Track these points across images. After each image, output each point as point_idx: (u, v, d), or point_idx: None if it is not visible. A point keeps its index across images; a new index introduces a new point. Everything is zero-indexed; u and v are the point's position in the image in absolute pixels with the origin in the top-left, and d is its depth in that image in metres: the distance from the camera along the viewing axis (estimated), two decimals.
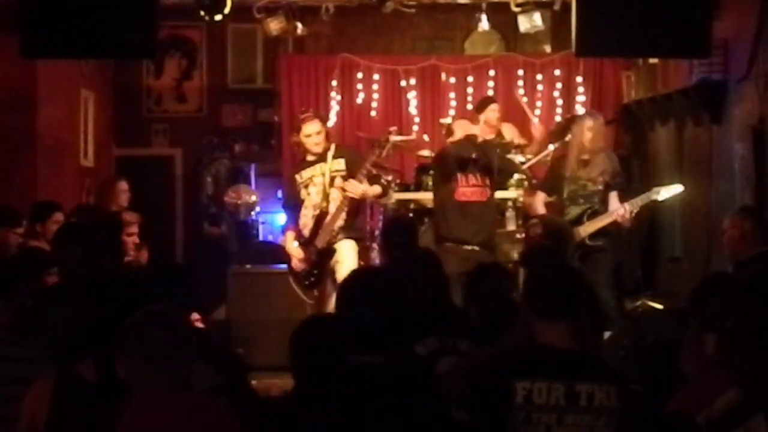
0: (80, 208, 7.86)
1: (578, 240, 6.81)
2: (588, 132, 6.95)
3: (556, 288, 3.41)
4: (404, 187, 8.75)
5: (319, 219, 6.76)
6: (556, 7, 9.19)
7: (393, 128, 8.29)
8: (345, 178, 6.70)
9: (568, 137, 8.51)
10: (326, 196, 6.76)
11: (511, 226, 8.46)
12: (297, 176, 6.91)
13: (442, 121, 8.90)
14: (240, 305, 7.58)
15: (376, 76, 10.16)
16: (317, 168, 6.82)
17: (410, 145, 9.20)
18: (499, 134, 9.07)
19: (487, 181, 7.19)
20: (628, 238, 7.31)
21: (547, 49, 10.62)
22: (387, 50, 10.76)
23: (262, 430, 3.19)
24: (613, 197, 7.02)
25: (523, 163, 8.72)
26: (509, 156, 8.43)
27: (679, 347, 3.92)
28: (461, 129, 7.33)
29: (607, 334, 5.90)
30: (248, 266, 8.10)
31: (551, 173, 7.40)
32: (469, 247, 6.97)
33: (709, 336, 3.37)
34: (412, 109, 10.15)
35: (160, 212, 10.59)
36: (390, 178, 8.41)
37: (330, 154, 6.82)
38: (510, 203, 8.52)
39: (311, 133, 6.77)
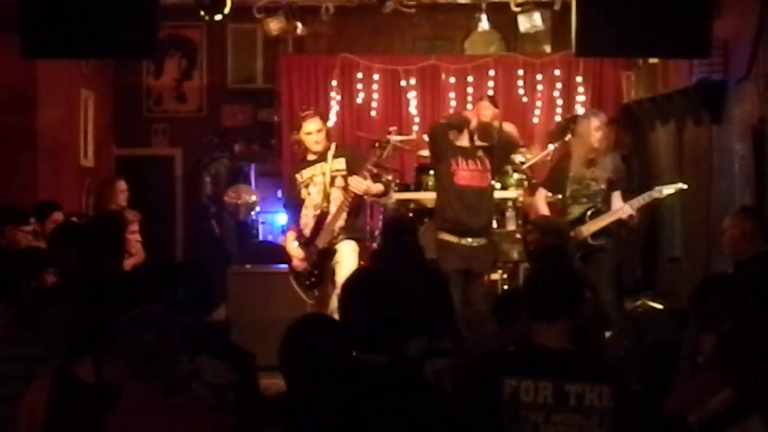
0: (80, 215, 7.89)
1: (581, 239, 6.81)
2: (596, 132, 6.92)
3: (550, 289, 3.42)
4: (404, 187, 8.75)
5: (320, 219, 6.75)
6: (556, 7, 9.20)
7: (393, 128, 8.29)
8: (345, 178, 6.70)
9: (568, 137, 8.53)
10: (327, 196, 6.75)
11: (511, 226, 8.47)
12: (297, 175, 6.89)
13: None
14: (240, 305, 7.57)
15: (376, 76, 10.16)
16: (318, 167, 6.81)
17: (410, 145, 9.20)
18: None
19: (487, 164, 7.08)
20: (628, 238, 7.30)
21: (547, 49, 10.63)
22: (387, 50, 10.76)
23: (264, 427, 3.19)
24: (617, 196, 7.01)
25: (523, 163, 8.73)
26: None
27: (679, 347, 3.92)
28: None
29: (607, 334, 5.90)
30: (248, 266, 8.09)
31: (555, 171, 7.37)
32: (467, 241, 6.93)
33: (708, 336, 3.37)
34: (412, 109, 10.15)
35: (160, 212, 10.59)
36: (390, 177, 8.41)
37: (330, 153, 6.81)
38: (510, 203, 8.53)
39: (312, 131, 6.75)
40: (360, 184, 6.62)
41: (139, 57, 8.67)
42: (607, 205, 6.96)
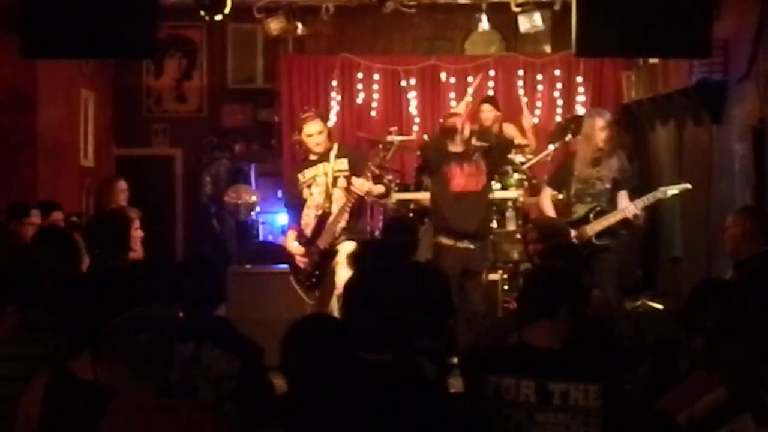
0: (80, 214, 7.90)
1: (584, 239, 6.80)
2: (601, 132, 6.89)
3: (535, 288, 3.44)
4: (404, 187, 8.75)
5: (322, 219, 6.75)
6: (556, 7, 9.20)
7: (393, 128, 8.30)
8: (348, 178, 6.70)
9: (568, 137, 8.55)
10: (329, 196, 6.75)
11: (511, 226, 8.47)
12: (299, 175, 6.89)
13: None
14: (240, 305, 7.55)
15: (376, 76, 10.16)
16: (320, 167, 6.81)
17: (410, 145, 9.20)
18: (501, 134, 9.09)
19: (482, 167, 7.09)
20: (628, 237, 7.29)
21: (547, 49, 10.63)
22: (387, 50, 10.76)
23: (263, 426, 3.19)
24: (623, 196, 6.98)
25: (523, 164, 8.73)
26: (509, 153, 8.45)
27: (679, 347, 3.92)
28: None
29: None
30: (248, 266, 8.09)
31: (560, 169, 7.35)
32: (464, 244, 6.94)
33: (697, 338, 3.38)
34: (412, 109, 10.15)
35: (160, 212, 10.59)
36: (390, 177, 8.41)
37: (333, 153, 6.81)
38: (510, 203, 8.53)
39: (312, 133, 6.75)
40: (362, 185, 6.62)
41: (139, 57, 8.68)
42: (612, 205, 6.94)
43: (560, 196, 7.28)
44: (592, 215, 6.91)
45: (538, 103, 10.11)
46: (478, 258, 7.01)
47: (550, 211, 7.14)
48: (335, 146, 6.88)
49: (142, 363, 2.95)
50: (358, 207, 6.83)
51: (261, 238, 10.45)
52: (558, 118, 9.87)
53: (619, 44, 6.00)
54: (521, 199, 8.53)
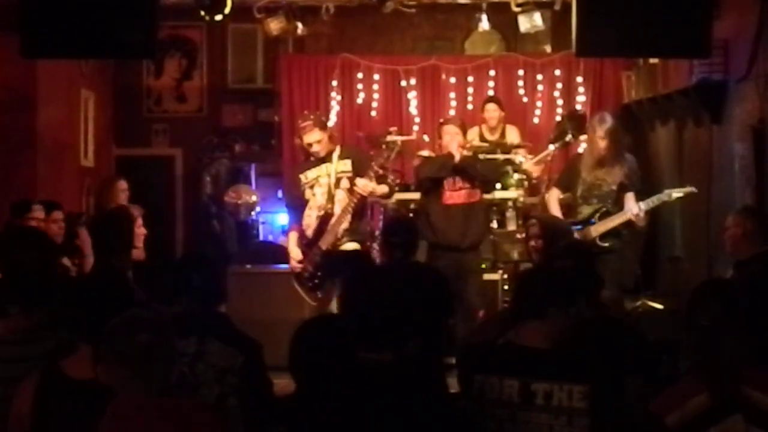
0: (80, 214, 7.91)
1: (589, 240, 6.80)
2: (601, 141, 6.92)
3: (526, 288, 3.43)
4: (404, 187, 8.75)
5: (324, 220, 6.75)
6: (556, 7, 9.21)
7: (393, 128, 8.30)
8: (351, 179, 6.71)
9: (568, 137, 8.56)
10: (331, 197, 6.75)
11: (511, 226, 8.47)
12: (302, 176, 6.89)
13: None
14: (240, 305, 7.55)
15: (376, 76, 10.16)
16: (323, 168, 6.81)
17: (410, 145, 9.20)
18: (503, 135, 9.10)
19: (476, 183, 7.22)
20: (628, 237, 7.29)
21: (548, 49, 10.62)
22: (387, 50, 10.76)
23: (264, 425, 3.19)
24: (630, 198, 6.98)
25: (522, 164, 8.73)
26: (504, 156, 8.48)
27: (680, 347, 3.92)
28: (448, 135, 7.30)
29: None
30: (248, 266, 8.09)
31: (568, 170, 7.38)
32: (457, 253, 7.03)
33: (692, 339, 3.39)
34: (413, 109, 10.15)
35: (160, 212, 10.58)
36: (392, 177, 8.41)
37: (335, 154, 6.81)
38: (510, 203, 8.53)
39: (311, 142, 6.78)
40: (366, 185, 6.64)
41: (139, 57, 8.67)
42: (617, 207, 6.95)
43: (562, 196, 7.30)
44: (597, 216, 6.92)
45: (538, 103, 10.12)
46: (471, 260, 7.08)
47: (556, 212, 7.17)
48: (338, 147, 6.89)
49: (142, 363, 2.94)
50: (361, 208, 6.84)
51: (261, 238, 10.45)
52: (558, 119, 9.87)
53: (619, 44, 5.99)
54: (521, 199, 8.53)
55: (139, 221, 6.28)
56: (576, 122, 8.78)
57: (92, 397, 3.07)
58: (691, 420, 2.95)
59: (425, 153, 8.92)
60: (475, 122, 9.11)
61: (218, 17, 8.42)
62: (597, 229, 6.90)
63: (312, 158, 6.85)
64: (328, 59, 10.31)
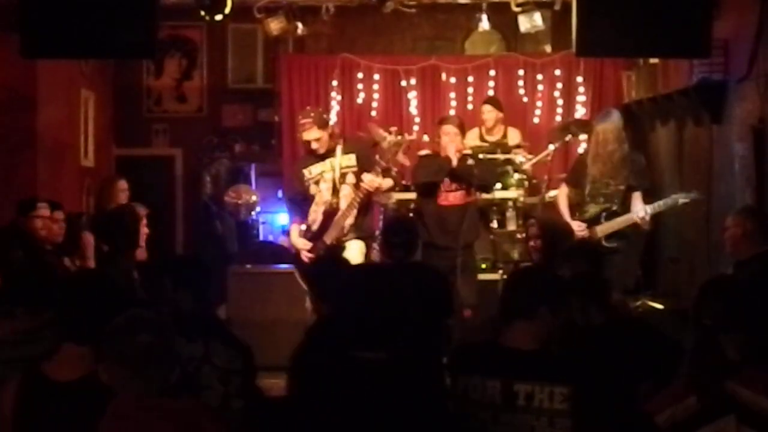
0: (80, 214, 7.91)
1: (594, 239, 6.81)
2: (603, 144, 6.94)
3: (514, 289, 3.42)
4: (404, 187, 8.75)
5: (329, 214, 6.75)
6: (557, 7, 9.20)
7: (393, 128, 8.28)
8: (357, 174, 6.71)
9: (568, 137, 8.56)
10: (336, 192, 6.76)
11: (511, 226, 8.47)
12: (305, 171, 6.89)
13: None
14: (240, 305, 7.57)
15: (376, 76, 10.16)
16: (327, 163, 6.81)
17: (410, 145, 9.18)
18: (504, 135, 9.09)
19: (472, 186, 7.23)
20: (633, 238, 7.30)
21: (548, 49, 10.62)
22: (387, 50, 10.76)
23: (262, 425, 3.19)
24: (637, 198, 6.98)
25: (523, 164, 8.73)
26: (504, 156, 8.48)
27: (679, 347, 3.91)
28: (447, 136, 7.29)
29: None
30: (248, 266, 8.09)
31: (577, 166, 7.38)
32: (451, 254, 7.03)
33: (694, 338, 3.38)
34: (413, 109, 10.16)
35: (160, 212, 10.58)
36: (395, 170, 8.40)
37: (339, 149, 6.82)
38: (510, 203, 8.53)
39: (310, 140, 6.79)
40: (372, 181, 6.65)
41: (139, 57, 8.67)
42: (624, 207, 6.95)
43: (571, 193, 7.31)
44: (603, 217, 6.92)
45: (538, 103, 10.11)
46: (464, 260, 7.10)
47: (565, 209, 7.17)
48: (341, 140, 6.90)
49: (142, 363, 2.94)
50: (366, 203, 6.85)
51: (261, 238, 10.45)
52: (558, 119, 9.88)
53: (619, 44, 5.99)
54: (521, 199, 8.54)
55: (144, 220, 6.30)
56: (579, 126, 8.80)
57: (74, 399, 3.07)
58: (683, 420, 2.95)
59: (425, 153, 8.93)
60: (475, 123, 9.11)
61: (218, 17, 8.42)
62: (603, 230, 6.90)
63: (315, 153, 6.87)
64: (328, 59, 10.31)
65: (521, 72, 10.12)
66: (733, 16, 7.15)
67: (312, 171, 6.84)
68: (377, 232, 8.08)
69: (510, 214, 8.54)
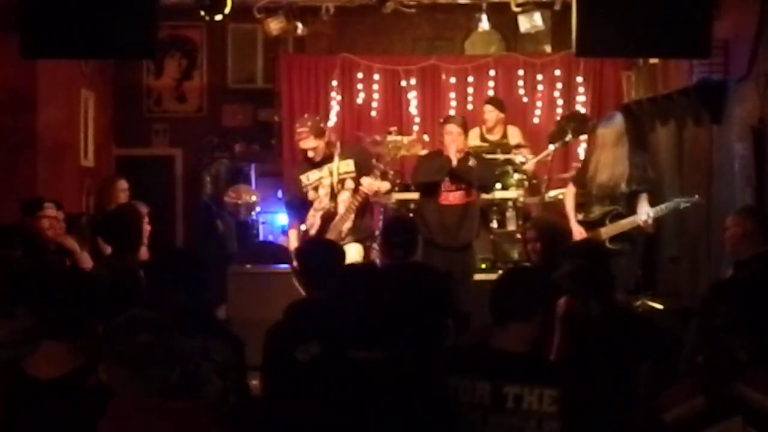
0: (80, 214, 7.91)
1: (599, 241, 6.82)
2: (604, 148, 6.96)
3: (509, 290, 3.42)
4: (404, 187, 8.75)
5: (327, 219, 6.77)
6: (556, 7, 9.21)
7: (393, 128, 8.30)
8: (355, 180, 6.73)
9: (568, 137, 8.56)
10: (334, 197, 6.78)
11: (511, 226, 8.47)
12: (303, 177, 6.91)
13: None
14: (240, 305, 7.57)
15: (376, 76, 10.16)
16: (324, 169, 6.83)
17: (410, 145, 9.19)
18: (505, 135, 9.09)
19: (472, 186, 7.25)
20: (637, 240, 7.31)
21: (548, 49, 10.62)
22: (387, 50, 10.76)
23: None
24: (643, 200, 6.99)
25: (523, 163, 8.73)
26: (504, 156, 8.48)
27: (679, 346, 3.92)
28: (449, 136, 7.29)
29: None
30: (248, 266, 8.10)
31: (584, 168, 7.38)
32: (450, 253, 7.04)
33: (704, 339, 3.38)
34: (413, 109, 10.15)
35: (160, 212, 10.57)
36: (392, 173, 8.41)
37: (336, 154, 6.83)
38: (510, 203, 8.53)
39: (307, 149, 6.82)
40: (371, 185, 6.68)
41: (139, 57, 8.67)
42: (630, 209, 6.96)
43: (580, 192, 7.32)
44: (607, 219, 6.93)
45: (538, 103, 10.11)
46: (463, 259, 7.09)
47: (571, 210, 7.19)
48: (338, 145, 6.91)
49: (142, 363, 2.94)
50: (364, 206, 6.86)
51: (261, 238, 10.45)
52: (558, 119, 9.87)
53: (619, 44, 5.99)
54: (521, 199, 8.54)
55: (146, 218, 6.30)
56: (577, 123, 8.78)
57: (56, 397, 3.06)
58: (689, 419, 2.95)
59: (425, 152, 8.93)
60: (475, 122, 9.11)
61: (218, 17, 8.42)
62: (607, 232, 6.91)
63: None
64: (328, 59, 10.30)
65: (521, 72, 10.12)
66: (733, 16, 7.15)
67: (310, 177, 6.86)
68: (377, 232, 8.10)
69: (510, 214, 8.54)
